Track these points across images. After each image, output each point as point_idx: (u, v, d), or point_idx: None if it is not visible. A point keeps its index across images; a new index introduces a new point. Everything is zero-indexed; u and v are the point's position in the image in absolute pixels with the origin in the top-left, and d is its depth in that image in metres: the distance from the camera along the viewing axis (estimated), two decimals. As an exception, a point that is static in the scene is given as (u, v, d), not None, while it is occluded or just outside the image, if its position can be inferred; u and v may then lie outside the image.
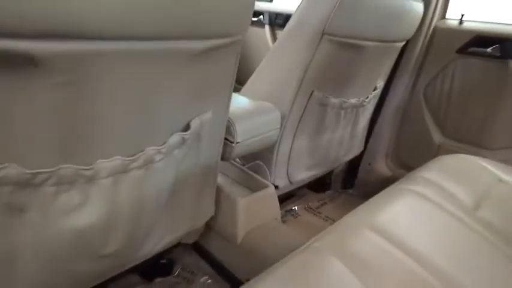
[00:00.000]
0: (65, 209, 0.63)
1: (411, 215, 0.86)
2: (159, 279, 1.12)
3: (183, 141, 0.78)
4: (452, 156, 1.22)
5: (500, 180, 1.11)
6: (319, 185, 1.69)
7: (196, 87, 0.74)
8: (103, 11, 0.48)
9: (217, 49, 0.70)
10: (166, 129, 0.73)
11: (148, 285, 1.10)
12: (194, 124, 0.78)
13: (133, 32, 0.53)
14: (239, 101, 1.07)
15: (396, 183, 1.00)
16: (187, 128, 0.78)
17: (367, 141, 1.65)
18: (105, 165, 0.64)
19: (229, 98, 0.86)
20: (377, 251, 0.69)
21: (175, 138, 0.75)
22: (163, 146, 0.73)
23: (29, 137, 0.54)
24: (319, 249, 0.67)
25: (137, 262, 0.88)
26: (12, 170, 0.54)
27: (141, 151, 0.69)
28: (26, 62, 0.47)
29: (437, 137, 1.58)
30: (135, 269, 1.05)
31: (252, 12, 0.73)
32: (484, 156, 1.26)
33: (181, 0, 0.56)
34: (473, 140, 1.48)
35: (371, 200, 0.88)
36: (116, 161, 0.65)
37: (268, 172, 1.21)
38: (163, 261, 1.11)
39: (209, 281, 1.12)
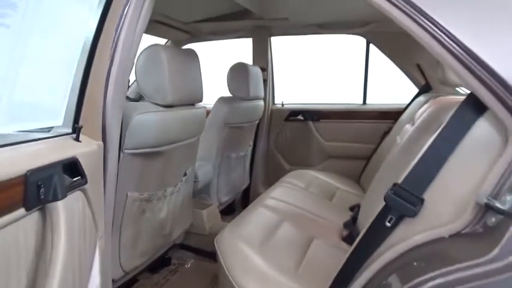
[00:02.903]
0: (158, 210, 1.58)
1: (282, 193, 1.99)
2: (164, 269, 1.98)
3: (184, 180, 1.79)
4: (296, 171, 2.46)
5: (317, 177, 2.38)
6: (229, 209, 2.75)
7: (188, 157, 1.78)
8: (172, 136, 1.52)
9: (196, 140, 1.77)
10: (181, 175, 1.74)
11: (157, 275, 1.95)
12: (187, 173, 1.80)
13: (181, 139, 1.57)
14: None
15: (272, 186, 2.15)
16: (185, 174, 1.79)
17: (251, 177, 2.81)
18: (169, 190, 1.62)
19: (195, 160, 1.91)
20: (280, 205, 1.79)
21: (183, 178, 1.76)
22: (181, 182, 1.73)
23: (150, 179, 1.51)
24: (252, 206, 1.74)
25: (168, 246, 1.80)
26: (146, 194, 1.50)
27: (176, 185, 1.69)
28: (157, 153, 1.47)
29: (286, 165, 2.86)
30: (145, 269, 1.89)
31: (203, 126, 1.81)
32: (311, 169, 2.54)
33: (191, 126, 1.63)
34: (303, 163, 2.80)
35: (266, 191, 2.00)
36: (171, 188, 1.64)
37: (209, 199, 2.24)
38: (167, 256, 2.00)
39: (192, 261, 2.04)
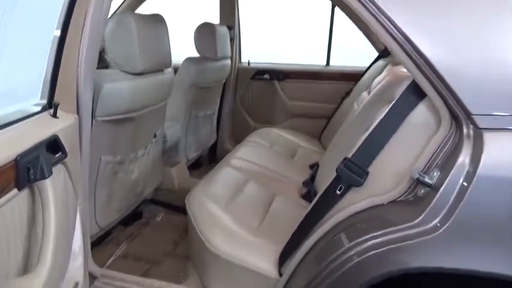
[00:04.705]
0: (130, 171, 1.67)
1: (248, 152, 2.13)
2: (136, 222, 2.11)
3: (154, 142, 1.86)
4: (260, 130, 2.59)
5: (281, 135, 2.52)
6: (196, 164, 2.86)
7: (158, 119, 1.84)
8: (142, 102, 1.57)
9: (165, 105, 1.82)
10: (151, 137, 1.81)
11: (130, 227, 2.07)
12: (157, 134, 1.88)
13: (150, 105, 1.63)
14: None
15: (238, 145, 2.27)
16: (155, 136, 1.87)
17: (218, 133, 2.91)
18: (140, 152, 1.70)
19: (164, 122, 1.97)
20: (245, 165, 1.92)
21: (153, 140, 1.84)
22: (151, 144, 1.81)
23: (122, 143, 1.58)
24: (220, 166, 1.87)
25: (140, 202, 1.92)
26: (119, 157, 1.58)
27: (147, 147, 1.77)
28: (128, 119, 1.53)
29: (251, 123, 2.97)
30: (119, 223, 2.01)
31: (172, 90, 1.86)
32: (275, 127, 2.67)
33: (161, 91, 1.68)
34: (267, 121, 2.92)
35: (233, 150, 2.12)
36: (142, 150, 1.72)
37: (177, 157, 2.34)
38: (139, 210, 2.12)
39: (162, 215, 2.17)
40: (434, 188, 0.94)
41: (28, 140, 0.83)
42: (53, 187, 0.85)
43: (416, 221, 0.94)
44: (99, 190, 1.53)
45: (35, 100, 0.95)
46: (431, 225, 0.92)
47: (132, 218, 2.09)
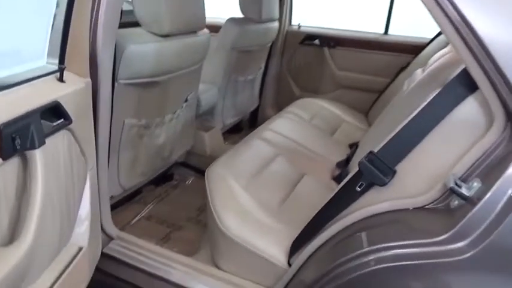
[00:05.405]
0: (156, 135, 1.64)
1: (283, 125, 2.01)
2: (166, 183, 2.12)
3: (184, 106, 1.81)
4: (303, 100, 2.44)
5: (324, 108, 2.36)
6: (236, 129, 2.80)
7: (190, 83, 1.77)
8: (170, 67, 1.50)
9: (198, 67, 1.74)
10: (181, 101, 1.76)
11: (160, 188, 2.09)
12: (189, 98, 1.81)
13: (180, 69, 1.55)
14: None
15: (276, 115, 2.16)
16: (186, 100, 1.81)
17: (260, 99, 2.80)
18: (167, 117, 1.66)
19: (198, 85, 1.90)
20: (278, 138, 1.81)
21: (183, 104, 1.78)
22: (180, 109, 1.76)
23: (147, 107, 1.54)
24: (249, 137, 1.77)
25: (168, 165, 1.91)
26: (143, 121, 1.54)
27: (175, 111, 1.72)
28: (153, 83, 1.47)
29: (296, 90, 2.81)
30: (151, 182, 2.02)
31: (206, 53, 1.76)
32: (318, 98, 2.50)
33: (192, 55, 1.59)
34: (313, 90, 2.74)
35: (267, 121, 2.01)
36: (169, 115, 1.67)
37: (213, 121, 2.29)
38: (170, 172, 2.12)
39: (193, 179, 2.17)
40: (470, 202, 0.78)
41: (21, 106, 0.79)
42: (44, 157, 0.82)
43: (442, 237, 0.80)
44: (123, 152, 1.52)
45: (40, 62, 0.90)
46: (457, 246, 0.78)
47: (163, 179, 2.10)
